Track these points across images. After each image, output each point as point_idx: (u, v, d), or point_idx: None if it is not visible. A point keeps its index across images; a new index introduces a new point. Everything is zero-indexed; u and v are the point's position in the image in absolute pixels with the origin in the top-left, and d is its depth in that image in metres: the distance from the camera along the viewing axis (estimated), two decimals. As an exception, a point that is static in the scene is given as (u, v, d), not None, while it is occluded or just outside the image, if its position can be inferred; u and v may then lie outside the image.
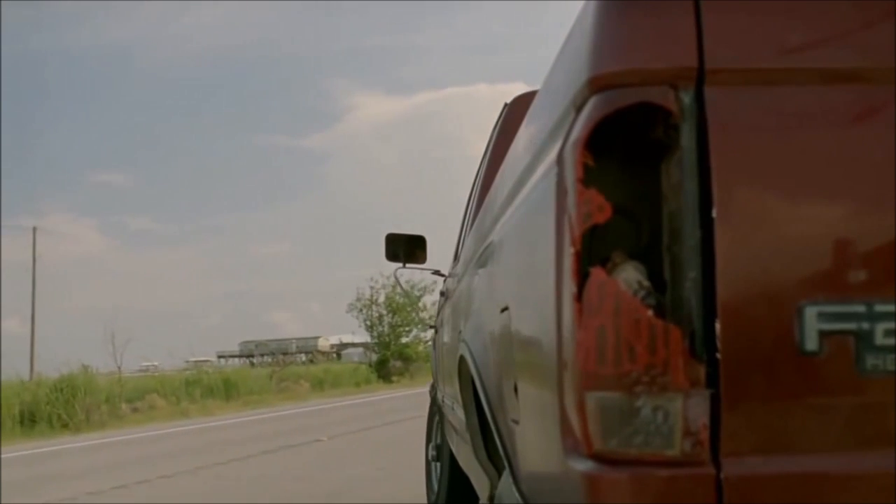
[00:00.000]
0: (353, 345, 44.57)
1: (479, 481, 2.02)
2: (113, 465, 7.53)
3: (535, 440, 0.97)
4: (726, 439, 0.70)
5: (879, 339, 0.69)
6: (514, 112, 2.67)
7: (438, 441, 3.96)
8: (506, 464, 1.25)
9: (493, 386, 1.34)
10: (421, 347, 26.68)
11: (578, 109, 0.78)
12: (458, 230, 3.45)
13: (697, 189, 0.72)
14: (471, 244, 1.91)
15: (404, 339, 27.57)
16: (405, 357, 27.05)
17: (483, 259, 1.48)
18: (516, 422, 1.09)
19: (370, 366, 28.01)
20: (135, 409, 15.32)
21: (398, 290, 23.30)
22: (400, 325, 27.58)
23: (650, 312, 0.72)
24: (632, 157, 0.78)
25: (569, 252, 0.75)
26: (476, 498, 2.36)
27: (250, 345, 55.03)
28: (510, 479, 1.19)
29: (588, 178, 0.74)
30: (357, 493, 5.14)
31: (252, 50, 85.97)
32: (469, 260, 1.88)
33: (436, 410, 4.00)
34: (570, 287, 0.75)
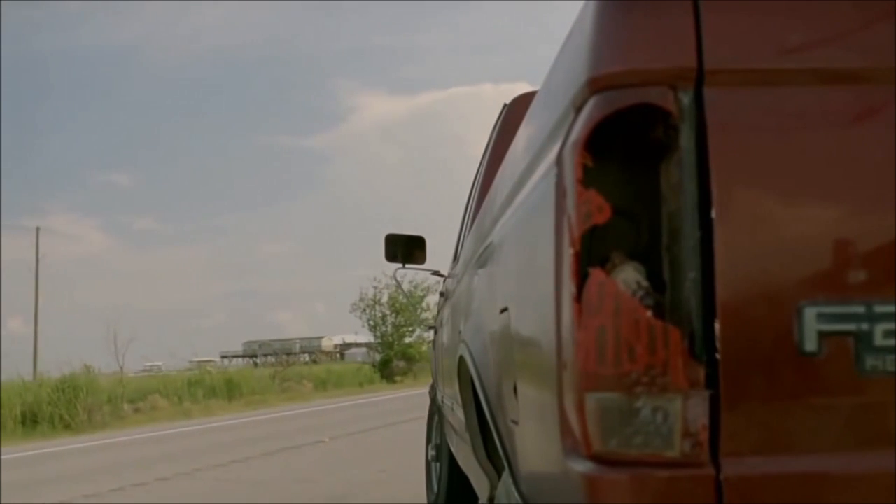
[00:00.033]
0: (357, 345, 44.57)
1: (479, 482, 2.02)
2: (112, 466, 7.49)
3: (535, 441, 0.96)
4: (726, 440, 0.70)
5: (879, 340, 0.69)
6: (514, 112, 2.67)
7: (438, 441, 3.96)
8: (505, 464, 1.25)
9: (492, 386, 1.34)
10: (424, 347, 26.60)
11: (578, 110, 0.78)
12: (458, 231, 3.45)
13: (697, 189, 0.72)
14: (470, 245, 1.91)
15: (408, 339, 27.48)
16: (408, 357, 26.95)
17: (482, 260, 1.48)
18: (516, 422, 1.09)
19: (373, 366, 27.96)
20: (137, 410, 15.27)
21: (401, 289, 23.26)
22: (403, 325, 27.52)
23: (650, 313, 0.72)
24: (631, 157, 0.78)
25: (568, 252, 0.75)
26: (475, 498, 2.36)
27: (254, 345, 55.10)
28: (510, 480, 1.19)
29: (587, 178, 0.74)
30: (358, 497, 5.10)
31: (256, 50, 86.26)
32: (468, 260, 1.88)
33: (435, 411, 4.00)
34: (569, 287, 0.75)
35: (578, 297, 0.73)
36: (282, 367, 24.00)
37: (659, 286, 0.75)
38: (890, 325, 0.69)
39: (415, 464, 4.81)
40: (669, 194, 0.75)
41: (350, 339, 46.82)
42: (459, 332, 1.97)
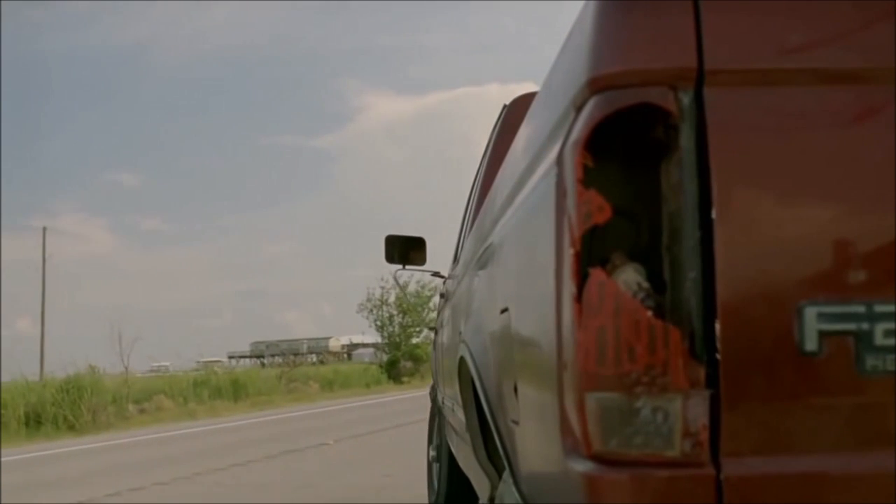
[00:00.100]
0: (364, 345, 44.50)
1: (480, 482, 2.02)
2: (111, 469, 7.42)
3: (535, 441, 0.96)
4: (726, 440, 0.70)
5: (879, 340, 0.69)
6: (514, 113, 2.67)
7: (438, 442, 3.96)
8: (506, 464, 1.25)
9: (492, 387, 1.34)
10: (431, 348, 26.47)
11: (578, 110, 0.78)
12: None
13: (697, 190, 0.72)
14: (470, 245, 1.91)
15: (415, 340, 27.37)
16: (415, 357, 26.82)
17: (483, 260, 1.48)
18: (516, 422, 1.09)
19: (380, 366, 27.87)
20: (142, 410, 15.20)
21: (406, 290, 23.22)
22: (410, 326, 27.44)
23: (650, 313, 0.72)
24: (631, 157, 0.78)
25: (568, 253, 0.75)
26: (475, 498, 2.36)
27: (261, 345, 55.10)
28: (510, 480, 1.19)
29: (588, 178, 0.74)
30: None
31: (263, 50, 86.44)
32: (469, 261, 1.88)
33: (436, 411, 4.00)
34: (569, 288, 0.75)
35: (579, 298, 0.73)
36: (288, 368, 23.94)
37: (659, 286, 0.75)
38: (890, 325, 0.69)
39: (421, 467, 4.73)
40: (669, 194, 0.75)
41: (357, 339, 46.77)
42: (460, 333, 1.97)
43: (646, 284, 0.74)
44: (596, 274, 0.74)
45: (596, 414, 0.72)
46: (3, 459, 8.25)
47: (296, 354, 33.99)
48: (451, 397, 2.47)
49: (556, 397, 0.80)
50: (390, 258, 3.71)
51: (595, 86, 0.75)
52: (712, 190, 0.71)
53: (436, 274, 3.81)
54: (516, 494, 1.12)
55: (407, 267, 3.76)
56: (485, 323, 1.40)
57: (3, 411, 12.55)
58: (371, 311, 27.87)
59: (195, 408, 16.00)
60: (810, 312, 0.69)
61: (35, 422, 12.91)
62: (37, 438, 11.80)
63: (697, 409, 0.70)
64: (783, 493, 0.70)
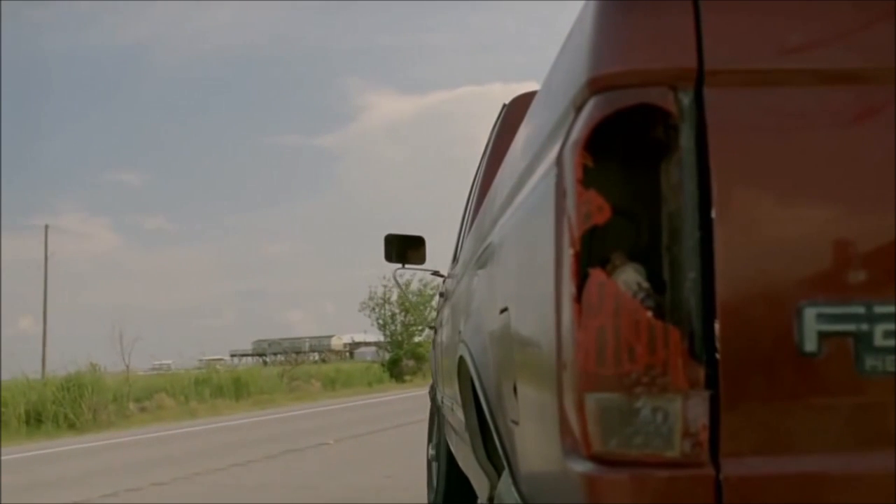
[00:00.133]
0: (367, 344, 44.45)
1: (479, 482, 2.02)
2: (110, 469, 7.39)
3: (535, 441, 0.96)
4: (726, 440, 0.70)
5: (879, 341, 0.69)
6: (513, 113, 2.67)
7: (438, 441, 3.96)
8: (505, 464, 1.25)
9: (492, 386, 1.34)
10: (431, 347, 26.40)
11: (578, 110, 0.78)
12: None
13: (697, 190, 0.72)
14: (470, 245, 1.91)
15: (417, 339, 27.25)
16: (418, 356, 26.70)
17: (482, 260, 1.48)
18: (516, 422, 1.09)
19: (382, 365, 27.80)
20: (143, 409, 15.17)
21: (409, 289, 23.17)
22: (413, 324, 27.35)
23: (650, 313, 0.72)
24: (631, 157, 0.78)
25: (568, 253, 0.75)
26: (474, 498, 2.36)
27: (263, 344, 55.09)
28: (509, 480, 1.19)
29: (587, 178, 0.74)
30: (361, 505, 4.95)
31: (265, 50, 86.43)
32: (468, 261, 1.88)
33: (436, 410, 4.00)
34: (569, 288, 0.75)
35: (578, 298, 0.73)
36: (290, 366, 23.90)
37: (659, 286, 0.75)
38: (890, 326, 0.69)
39: (422, 468, 4.69)
40: (669, 194, 0.75)
41: (359, 338, 46.78)
42: (459, 333, 1.97)
43: (646, 284, 0.74)
44: (596, 274, 0.74)
45: (595, 414, 0.72)
46: (2, 458, 8.23)
47: (298, 353, 33.98)
48: (451, 397, 2.47)
49: (555, 397, 0.80)
50: (389, 257, 3.71)
51: (595, 86, 0.75)
52: (712, 190, 0.71)
53: (435, 273, 3.81)
54: (515, 494, 1.12)
55: (406, 266, 3.76)
56: (484, 323, 1.40)
57: (3, 409, 12.53)
58: (373, 309, 27.86)
59: (196, 406, 15.96)
60: (810, 313, 0.69)
61: (36, 420, 12.91)
62: (37, 437, 11.79)
63: (697, 410, 0.70)
64: (783, 494, 0.70)
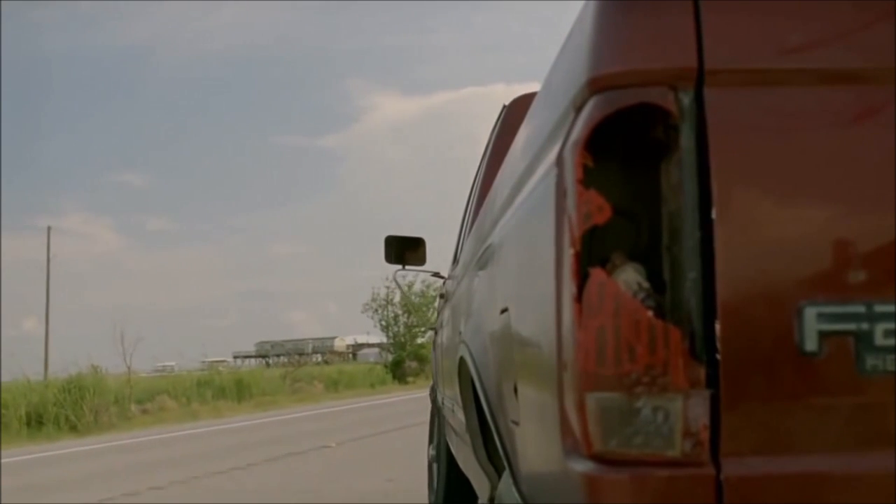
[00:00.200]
0: (370, 345, 44.44)
1: (479, 482, 2.02)
2: (108, 473, 7.31)
3: (535, 441, 0.96)
4: (726, 440, 0.70)
5: (879, 340, 0.69)
6: (514, 113, 2.67)
7: (438, 441, 3.96)
8: (506, 465, 1.25)
9: (492, 387, 1.34)
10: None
11: (578, 110, 0.78)
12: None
13: (697, 190, 0.72)
14: (470, 246, 1.91)
15: (420, 340, 27.10)
16: (421, 357, 26.55)
17: (483, 260, 1.48)
18: (516, 423, 1.09)
19: (385, 366, 27.74)
20: (144, 411, 15.12)
21: (412, 290, 23.12)
22: (415, 326, 27.25)
23: (650, 313, 0.72)
24: (631, 157, 0.78)
25: (568, 253, 0.75)
26: (475, 498, 2.36)
27: (266, 345, 55.14)
28: (510, 480, 1.19)
29: (588, 178, 0.74)
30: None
31: (269, 50, 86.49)
32: (469, 261, 1.88)
33: (436, 411, 4.00)
34: (569, 288, 0.75)
35: (579, 298, 0.73)
36: (293, 368, 23.86)
37: (659, 286, 0.75)
38: (890, 325, 0.69)
39: (425, 472, 4.61)
40: (669, 194, 0.75)
41: (362, 339, 46.76)
42: (460, 333, 1.97)
43: (646, 284, 0.74)
44: (596, 274, 0.74)
45: (596, 414, 0.72)
46: (2, 461, 8.21)
47: (301, 354, 33.94)
48: (451, 398, 2.47)
49: (555, 397, 0.80)
50: (389, 258, 3.71)
51: (595, 86, 0.75)
52: (712, 190, 0.71)
53: (435, 274, 3.81)
54: (516, 495, 1.12)
55: (406, 267, 3.76)
56: (485, 323, 1.40)
57: (3, 411, 12.50)
58: (376, 311, 27.84)
59: (198, 408, 15.92)
60: (810, 312, 0.69)
61: (37, 422, 12.87)
62: (38, 439, 11.76)
63: (697, 409, 0.70)
64: (783, 493, 0.70)
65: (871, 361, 0.69)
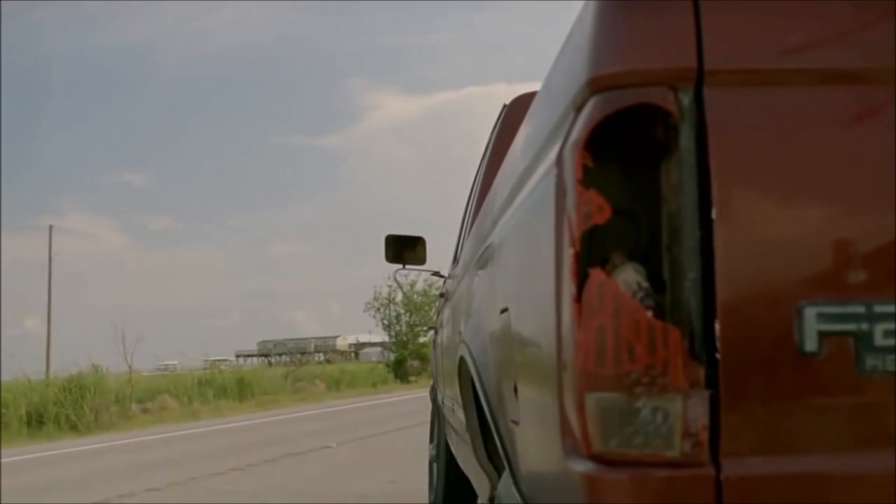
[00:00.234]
0: (372, 344, 44.38)
1: (479, 482, 2.02)
2: (105, 473, 7.26)
3: (535, 441, 0.96)
4: (726, 440, 0.70)
5: (879, 340, 0.69)
6: (514, 113, 2.67)
7: (438, 440, 3.96)
8: (506, 464, 1.25)
9: (492, 387, 1.34)
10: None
11: (578, 110, 0.78)
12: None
13: (697, 190, 0.72)
14: (470, 245, 1.91)
15: (422, 339, 26.89)
16: (423, 356, 26.37)
17: (483, 260, 1.48)
18: (516, 422, 1.09)
19: (387, 365, 27.67)
20: (145, 410, 15.06)
21: (414, 290, 23.08)
22: (418, 325, 27.15)
23: (650, 313, 0.72)
24: (631, 157, 0.78)
25: (568, 253, 0.75)
26: (474, 498, 2.36)
27: (268, 344, 55.16)
28: (510, 480, 1.19)
29: (588, 178, 0.74)
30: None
31: (270, 50, 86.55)
32: (469, 261, 1.88)
33: (436, 411, 4.00)
34: (569, 288, 0.75)
35: (578, 298, 0.73)
36: (294, 367, 23.82)
37: (659, 286, 0.75)
38: (890, 325, 0.69)
39: (427, 473, 4.55)
40: (669, 194, 0.75)
41: (364, 338, 46.73)
42: (460, 333, 1.97)
43: (646, 284, 0.74)
44: (596, 274, 0.74)
45: (596, 414, 0.72)
46: (2, 461, 8.19)
47: (303, 353, 33.91)
48: (451, 397, 2.47)
49: (555, 397, 0.80)
50: (389, 258, 3.71)
51: (595, 86, 0.75)
52: (712, 190, 0.71)
53: (435, 274, 3.81)
54: (516, 494, 1.12)
55: (407, 266, 3.76)
56: (485, 323, 1.40)
57: (4, 411, 12.48)
58: (378, 310, 27.79)
59: (199, 408, 15.87)
60: (810, 313, 0.69)
61: (37, 422, 12.84)
62: (38, 438, 11.75)
63: (697, 410, 0.70)
64: (783, 493, 0.70)
65: (870, 362, 0.69)
